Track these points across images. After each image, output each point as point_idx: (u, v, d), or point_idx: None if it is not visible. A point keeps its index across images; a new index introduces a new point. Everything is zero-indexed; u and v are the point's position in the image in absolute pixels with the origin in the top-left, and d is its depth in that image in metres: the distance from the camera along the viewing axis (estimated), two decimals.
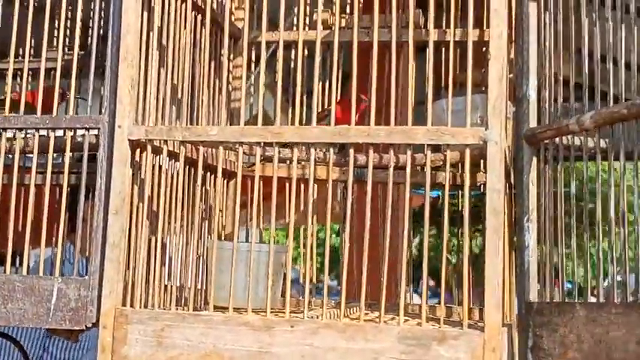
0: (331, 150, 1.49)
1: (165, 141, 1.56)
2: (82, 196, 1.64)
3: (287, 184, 1.74)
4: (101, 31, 1.80)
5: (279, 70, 1.60)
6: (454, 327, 1.42)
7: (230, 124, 1.88)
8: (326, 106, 1.94)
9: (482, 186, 1.77)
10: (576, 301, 1.45)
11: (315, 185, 1.88)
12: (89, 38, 1.75)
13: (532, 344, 1.46)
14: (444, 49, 1.84)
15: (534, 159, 1.58)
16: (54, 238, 1.64)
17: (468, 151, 1.45)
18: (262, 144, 1.53)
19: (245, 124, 1.56)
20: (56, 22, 1.75)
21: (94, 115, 1.60)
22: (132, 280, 1.53)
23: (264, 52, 1.68)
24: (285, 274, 1.67)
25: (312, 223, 1.64)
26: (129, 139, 1.52)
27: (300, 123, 1.57)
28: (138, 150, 1.56)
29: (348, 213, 1.59)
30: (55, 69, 1.71)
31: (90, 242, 1.56)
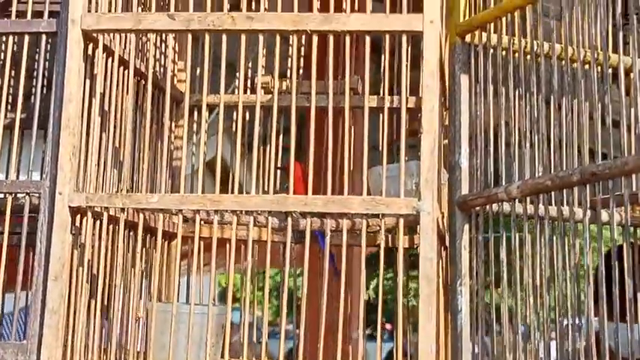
0: (269, 218, 1.54)
1: (107, 208, 1.58)
2: (22, 257, 1.65)
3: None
4: (44, 91, 1.83)
5: (220, 130, 1.64)
6: None
7: (172, 184, 1.91)
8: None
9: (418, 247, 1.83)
10: None
11: (256, 245, 1.92)
12: (32, 97, 1.78)
13: None
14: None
15: (466, 225, 1.64)
16: None
17: (401, 221, 1.50)
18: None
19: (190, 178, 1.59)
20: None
21: (35, 181, 1.62)
22: (71, 345, 1.54)
23: (206, 115, 1.71)
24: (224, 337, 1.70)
25: (249, 287, 1.67)
26: (69, 206, 1.54)
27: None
28: (78, 215, 1.58)
29: (286, 275, 1.63)
30: None
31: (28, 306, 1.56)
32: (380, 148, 1.81)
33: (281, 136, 1.81)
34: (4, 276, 1.67)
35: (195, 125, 1.96)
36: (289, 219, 1.53)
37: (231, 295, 1.55)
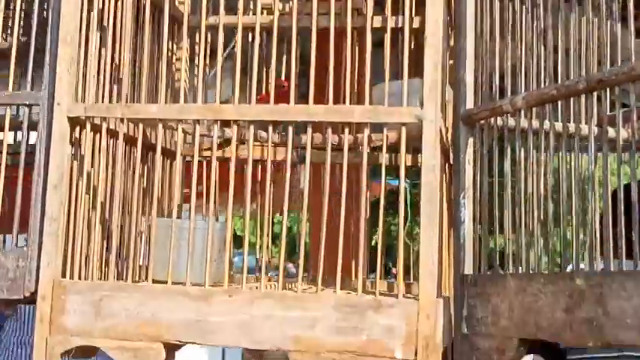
0: (270, 129, 1.52)
1: (105, 119, 1.56)
2: (21, 171, 1.63)
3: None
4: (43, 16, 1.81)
5: (219, 52, 1.62)
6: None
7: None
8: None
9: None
10: (509, 272, 1.48)
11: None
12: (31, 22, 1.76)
13: (466, 314, 1.50)
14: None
15: (470, 139, 1.62)
16: None
17: (404, 130, 1.48)
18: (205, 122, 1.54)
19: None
20: None
21: (33, 92, 1.60)
22: (71, 253, 1.53)
23: (204, 36, 1.69)
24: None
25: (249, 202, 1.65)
26: (68, 117, 1.52)
27: None
28: (77, 128, 1.56)
29: (287, 195, 1.61)
30: None
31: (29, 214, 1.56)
32: (384, 65, 1.78)
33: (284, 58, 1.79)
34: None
35: (196, 47, 1.93)
36: (290, 128, 1.50)
37: (231, 210, 1.53)
